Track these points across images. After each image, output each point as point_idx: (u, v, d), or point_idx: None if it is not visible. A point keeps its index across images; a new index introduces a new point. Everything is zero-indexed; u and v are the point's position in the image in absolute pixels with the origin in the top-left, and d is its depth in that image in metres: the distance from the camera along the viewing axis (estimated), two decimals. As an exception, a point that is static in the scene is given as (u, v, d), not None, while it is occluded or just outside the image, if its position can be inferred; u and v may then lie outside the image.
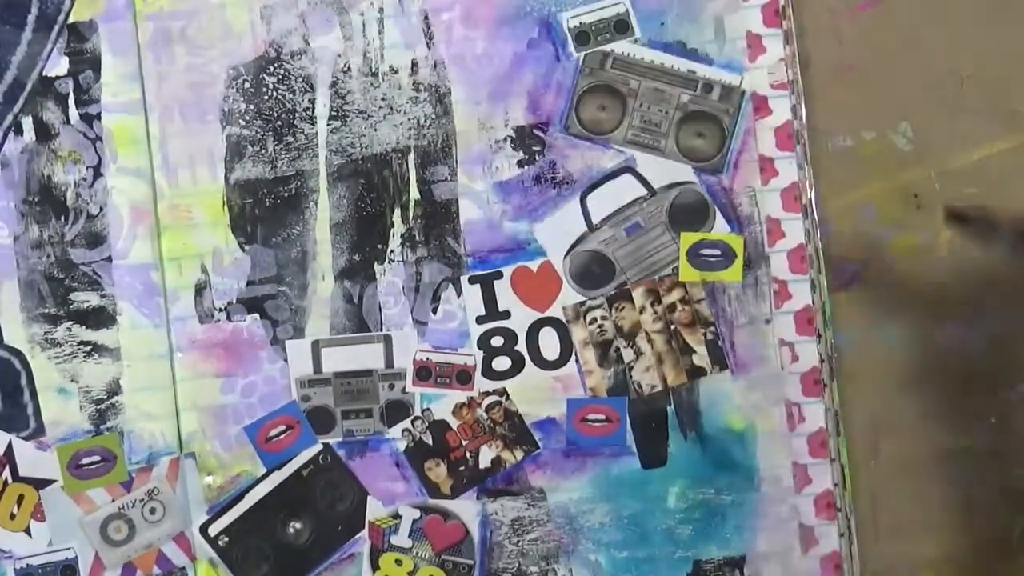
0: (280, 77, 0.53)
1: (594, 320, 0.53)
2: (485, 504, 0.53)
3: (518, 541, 0.54)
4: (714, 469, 0.53)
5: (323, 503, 0.54)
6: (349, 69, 0.53)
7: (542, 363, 0.53)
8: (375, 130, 0.53)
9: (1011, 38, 0.53)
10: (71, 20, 0.53)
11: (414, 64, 0.53)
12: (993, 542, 0.53)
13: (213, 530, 0.54)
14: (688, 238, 0.53)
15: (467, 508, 0.53)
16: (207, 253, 0.53)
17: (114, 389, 0.54)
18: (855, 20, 0.53)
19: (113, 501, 0.53)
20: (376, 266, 0.53)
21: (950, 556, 0.53)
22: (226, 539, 0.54)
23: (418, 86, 0.53)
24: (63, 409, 0.53)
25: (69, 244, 0.53)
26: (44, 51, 0.53)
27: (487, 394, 0.53)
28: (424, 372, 0.53)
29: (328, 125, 0.53)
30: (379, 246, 0.53)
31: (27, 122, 0.53)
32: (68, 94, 0.53)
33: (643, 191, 0.53)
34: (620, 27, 0.52)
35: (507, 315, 0.53)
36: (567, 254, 0.53)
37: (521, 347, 0.53)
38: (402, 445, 0.54)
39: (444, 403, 0.53)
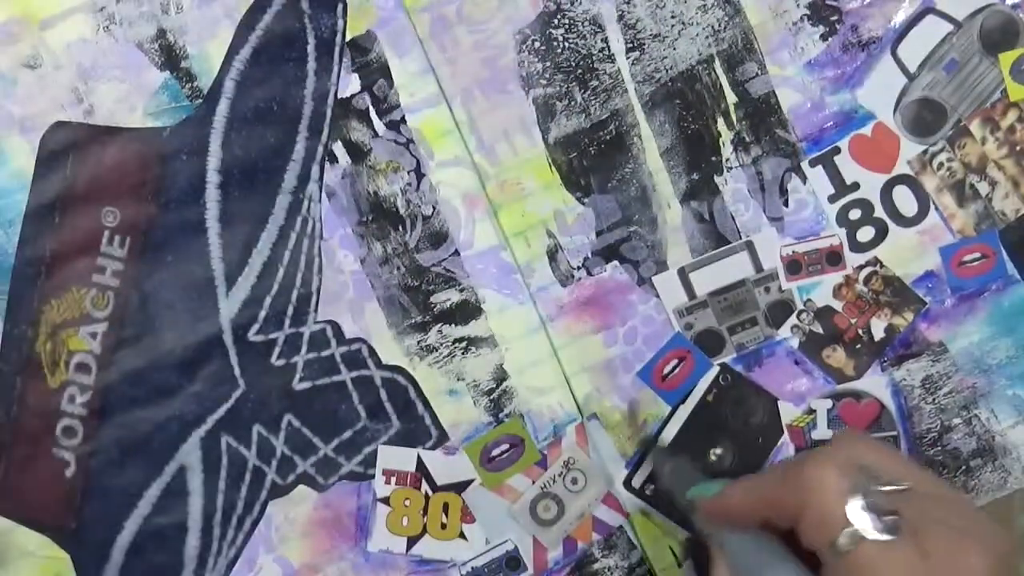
0: (567, 27, 0.54)
1: (941, 164, 0.54)
2: (891, 373, 0.55)
3: (933, 399, 0.55)
4: (1099, 273, 0.54)
5: (736, 422, 0.55)
6: (631, -1, 0.54)
7: (904, 221, 0.54)
8: (674, 49, 0.54)
9: None
10: (349, 38, 0.54)
11: (692, -26, 0.54)
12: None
13: (637, 481, 0.55)
14: (1007, 58, 0.54)
15: (875, 383, 0.54)
16: (549, 218, 0.54)
17: (500, 376, 0.54)
18: None
19: (534, 483, 0.54)
20: (716, 178, 0.54)
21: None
22: (652, 487, 0.54)
23: (703, -6, 0.54)
24: (458, 409, 0.54)
25: (414, 251, 0.54)
26: (332, 75, 0.54)
27: (861, 268, 0.54)
28: (794, 265, 0.54)
29: (628, 58, 0.54)
30: (713, 158, 0.54)
31: (338, 147, 0.54)
32: (368, 108, 0.54)
33: (949, 27, 0.54)
34: None
35: (856, 186, 0.54)
36: (896, 109, 0.54)
37: (879, 212, 0.54)
38: (795, 342, 0.55)
39: (822, 289, 0.54)
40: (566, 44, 0.54)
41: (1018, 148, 0.54)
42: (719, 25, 0.54)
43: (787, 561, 0.37)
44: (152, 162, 0.54)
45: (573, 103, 0.54)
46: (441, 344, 0.55)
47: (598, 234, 0.55)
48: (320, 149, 0.54)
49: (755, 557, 0.39)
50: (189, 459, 0.54)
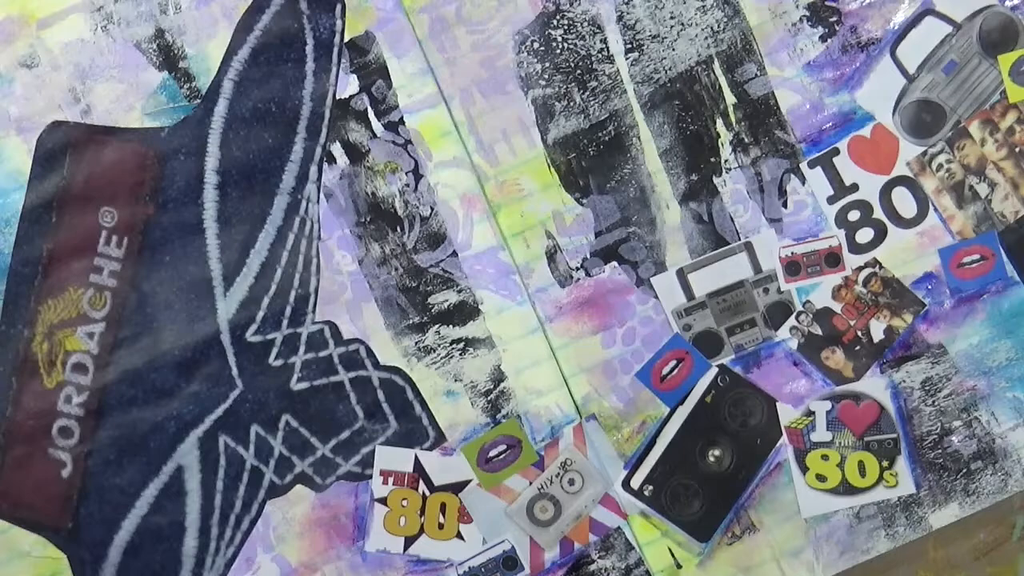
0: (566, 27, 0.55)
1: (940, 166, 0.55)
2: (891, 375, 0.56)
3: (933, 401, 0.56)
4: (1096, 274, 0.55)
5: (735, 423, 0.56)
6: (630, -1, 0.55)
7: (903, 223, 0.56)
8: (673, 49, 0.55)
9: None
10: (347, 38, 0.55)
11: (691, -25, 0.55)
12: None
13: (635, 482, 0.56)
14: (1006, 59, 0.55)
15: (875, 385, 0.56)
16: (547, 218, 0.55)
17: (498, 376, 0.56)
18: None
19: (531, 484, 0.55)
20: (715, 179, 0.56)
21: (950, 556, 0.56)
22: (650, 488, 0.56)
23: (702, -5, 0.55)
24: (456, 410, 0.55)
25: (412, 251, 0.55)
26: (331, 76, 0.55)
27: (860, 269, 0.55)
28: (793, 267, 0.55)
29: (627, 59, 0.55)
30: (712, 159, 0.55)
31: (336, 148, 0.55)
32: (366, 109, 0.55)
33: (949, 28, 0.55)
34: None
35: (855, 187, 0.55)
36: (895, 111, 0.55)
37: (878, 214, 0.55)
38: (794, 343, 0.56)
39: (821, 291, 0.56)
40: (565, 45, 0.56)
41: (1017, 150, 0.55)
42: (718, 26, 0.55)
43: None
44: (150, 162, 0.55)
45: (572, 104, 0.56)
46: (439, 345, 0.56)
47: (597, 235, 0.56)
48: (318, 150, 0.55)
49: None
50: (187, 459, 0.55)
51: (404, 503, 0.55)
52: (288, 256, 0.55)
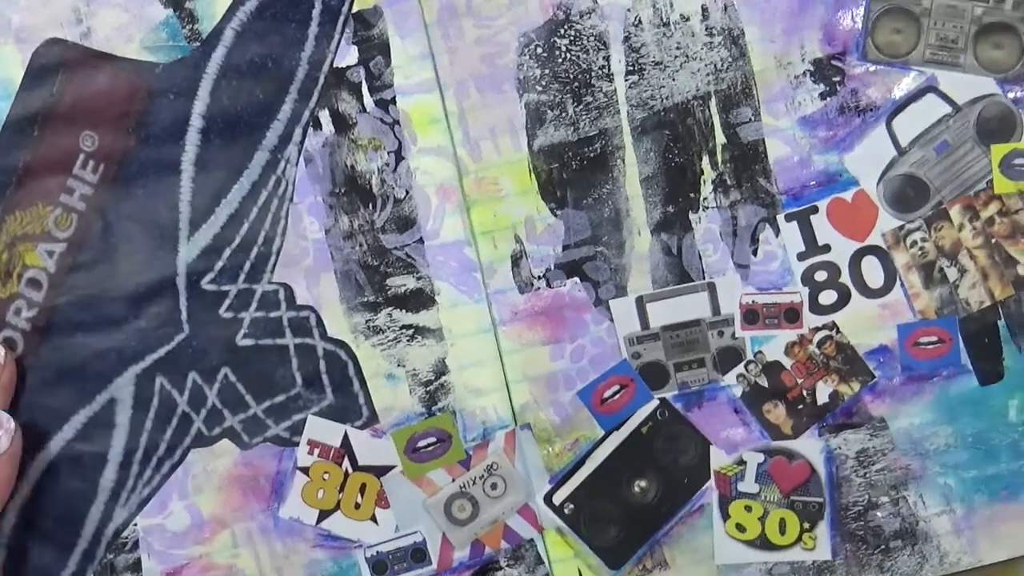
0: (572, 38, 0.57)
1: (914, 243, 0.57)
2: (828, 440, 0.57)
3: (865, 473, 0.57)
4: (1050, 378, 0.56)
5: (666, 458, 0.57)
6: (640, 22, 0.57)
7: (868, 292, 0.57)
8: (673, 80, 0.57)
9: None
10: (355, 8, 0.57)
11: (704, 9, 0.57)
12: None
13: (557, 498, 0.57)
14: (999, 150, 0.56)
15: (810, 446, 0.57)
16: (519, 223, 0.57)
17: (441, 369, 0.57)
18: None
19: (454, 480, 0.57)
20: (691, 215, 0.57)
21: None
22: (572, 506, 0.57)
23: (711, 31, 0.57)
24: (393, 395, 0.57)
25: (380, 231, 0.57)
26: (332, 43, 0.57)
27: (817, 329, 0.57)
28: (751, 315, 0.57)
29: (626, 80, 0.57)
30: (691, 195, 0.57)
31: (324, 115, 0.57)
32: (360, 82, 0.57)
33: (948, 108, 0.57)
34: (909, -52, 0.56)
35: (827, 248, 0.57)
36: (880, 180, 0.57)
37: (845, 279, 0.57)
38: (739, 391, 0.57)
39: (775, 344, 0.57)
40: (568, 55, 0.57)
41: (993, 241, 0.57)
42: (722, 64, 0.57)
43: None
44: (139, 95, 0.56)
45: (564, 114, 0.57)
46: (388, 327, 0.57)
47: (564, 248, 0.57)
48: (306, 113, 0.57)
49: None
50: (121, 393, 0.56)
51: (325, 476, 0.57)
52: (257, 212, 0.57)
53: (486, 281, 0.58)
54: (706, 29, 0.57)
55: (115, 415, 0.57)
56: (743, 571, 0.58)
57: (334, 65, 0.57)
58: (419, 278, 0.58)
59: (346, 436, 0.57)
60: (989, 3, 0.57)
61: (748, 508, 0.58)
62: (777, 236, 0.57)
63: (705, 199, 0.58)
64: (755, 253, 0.58)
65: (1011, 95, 0.57)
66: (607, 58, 0.57)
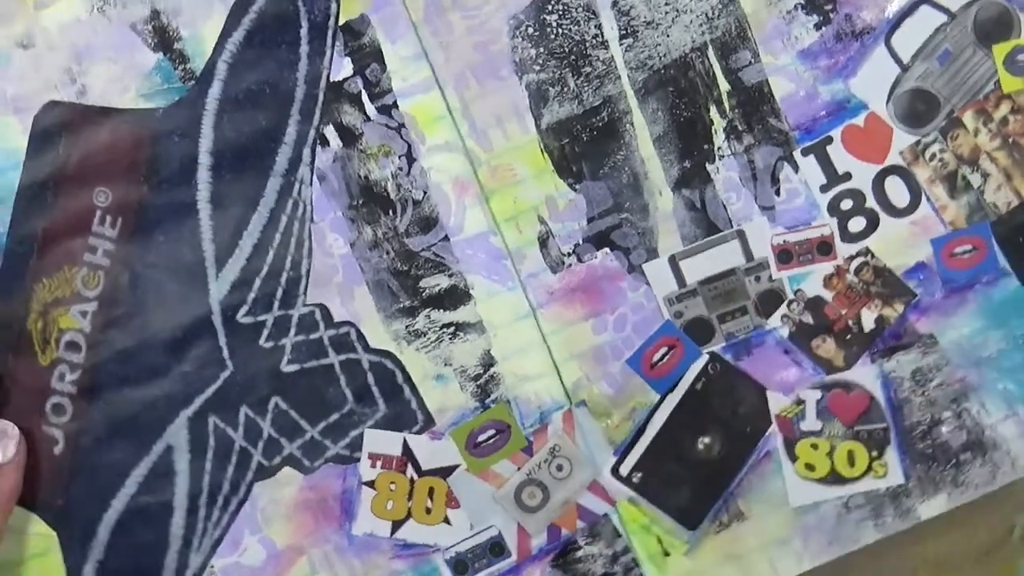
0: (561, 13, 0.58)
1: (933, 156, 0.58)
2: (881, 365, 0.59)
3: (923, 391, 0.59)
4: (1090, 266, 0.58)
5: (724, 411, 0.59)
6: (625, -14, 0.58)
7: (895, 212, 0.58)
8: (668, 36, 0.58)
9: None
10: (342, 21, 0.58)
11: (686, -38, 0.58)
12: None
13: (624, 469, 0.59)
14: (1001, 49, 0.58)
15: (865, 374, 0.58)
16: (540, 204, 0.58)
17: (488, 361, 0.59)
18: None
19: (519, 469, 0.58)
20: (708, 166, 0.58)
21: (950, 556, 0.59)
22: (639, 475, 0.59)
23: (697, -18, 0.58)
24: (445, 394, 0.58)
25: (404, 235, 0.58)
26: (325, 59, 0.58)
27: (852, 258, 0.58)
28: (785, 255, 0.58)
29: (621, 45, 0.58)
30: (705, 146, 0.58)
31: (330, 131, 0.58)
32: (360, 92, 0.58)
33: (943, 17, 0.58)
34: None
35: (848, 176, 0.58)
36: (888, 100, 0.58)
37: (871, 203, 0.58)
38: (785, 332, 0.59)
39: (813, 279, 0.58)
40: (559, 30, 0.59)
41: (1011, 140, 0.58)
42: (713, 13, 0.58)
43: None
44: (144, 143, 0.58)
45: (566, 89, 0.59)
46: (429, 329, 0.59)
47: (589, 221, 0.59)
48: (312, 132, 0.59)
49: None
50: (176, 439, 0.58)
51: (392, 487, 0.58)
52: (280, 238, 0.59)
53: (517, 267, 0.59)
54: (691, -19, 0.59)
55: (174, 462, 0.58)
56: (819, 509, 0.59)
57: (331, 80, 0.59)
58: (451, 275, 0.59)
59: (406, 444, 0.59)
60: (966, -93, 0.58)
61: (814, 446, 0.59)
62: (797, 172, 0.59)
63: (719, 148, 0.59)
64: (778, 193, 0.59)
65: (1003, -6, 0.58)
66: (599, 26, 0.59)
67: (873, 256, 0.59)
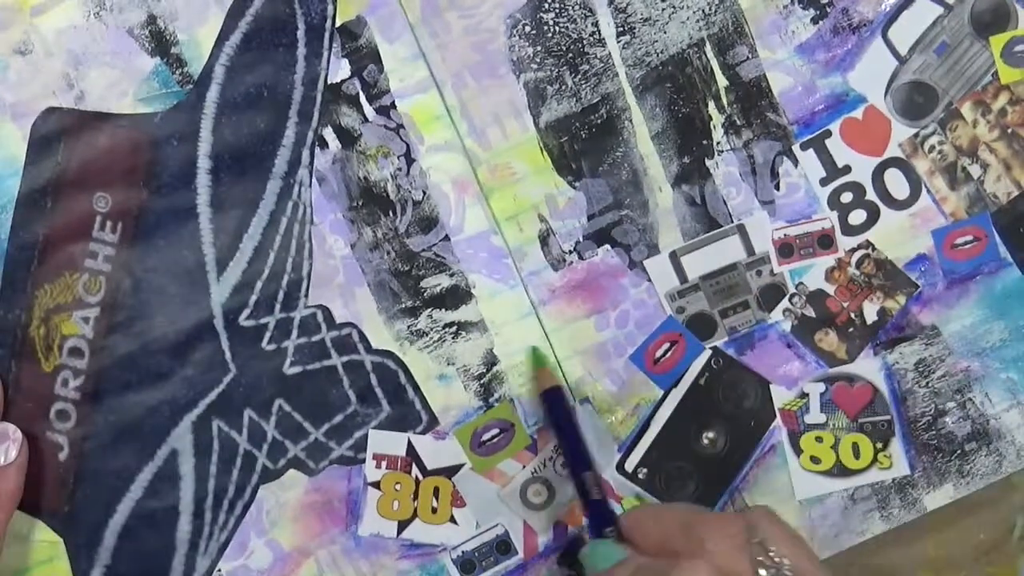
0: (558, 11, 0.60)
1: (932, 147, 0.60)
2: (884, 357, 0.60)
3: (927, 383, 0.60)
4: (1091, 255, 0.59)
5: (728, 405, 0.60)
6: (622, -18, 0.59)
7: (896, 204, 0.60)
8: (665, 32, 0.60)
9: None
10: (339, 23, 0.59)
11: (683, -42, 0.59)
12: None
13: (629, 465, 0.60)
14: (998, 40, 0.59)
15: (868, 366, 0.60)
16: (540, 202, 0.60)
17: (491, 360, 0.60)
18: None
19: (524, 467, 0.60)
20: (707, 162, 0.60)
21: (950, 556, 0.60)
22: (645, 470, 0.60)
23: (693, -22, 0.59)
24: (448, 394, 0.60)
25: (404, 235, 0.60)
26: (322, 61, 0.60)
27: (853, 251, 0.60)
28: (786, 249, 0.59)
29: (618, 42, 0.60)
30: (704, 142, 0.60)
31: (328, 133, 0.60)
32: (358, 93, 0.60)
33: (940, 9, 0.60)
34: None
35: (848, 169, 0.60)
36: (886, 92, 0.60)
37: (871, 195, 0.60)
38: (787, 325, 0.60)
39: (814, 272, 0.60)
40: (556, 28, 0.60)
41: (1009, 131, 0.60)
42: (709, 8, 0.60)
43: None
44: (143, 148, 0.59)
45: (564, 87, 0.60)
46: (431, 329, 0.60)
47: (589, 218, 0.60)
48: (310, 134, 0.60)
49: None
50: (181, 443, 0.59)
51: (397, 487, 0.60)
52: (281, 240, 0.60)
53: (518, 265, 0.60)
54: (688, -24, 0.60)
55: (179, 466, 0.60)
56: (825, 502, 0.61)
57: (328, 81, 0.60)
58: (452, 275, 0.60)
59: (410, 444, 0.60)
60: (960, -102, 0.60)
61: (819, 439, 0.60)
62: (796, 166, 0.60)
63: (719, 144, 0.60)
64: (778, 187, 0.60)
65: (1000, -16, 0.60)
66: (596, 24, 0.60)
67: (874, 248, 0.60)
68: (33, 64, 0.59)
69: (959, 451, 0.61)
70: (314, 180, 0.60)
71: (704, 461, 0.61)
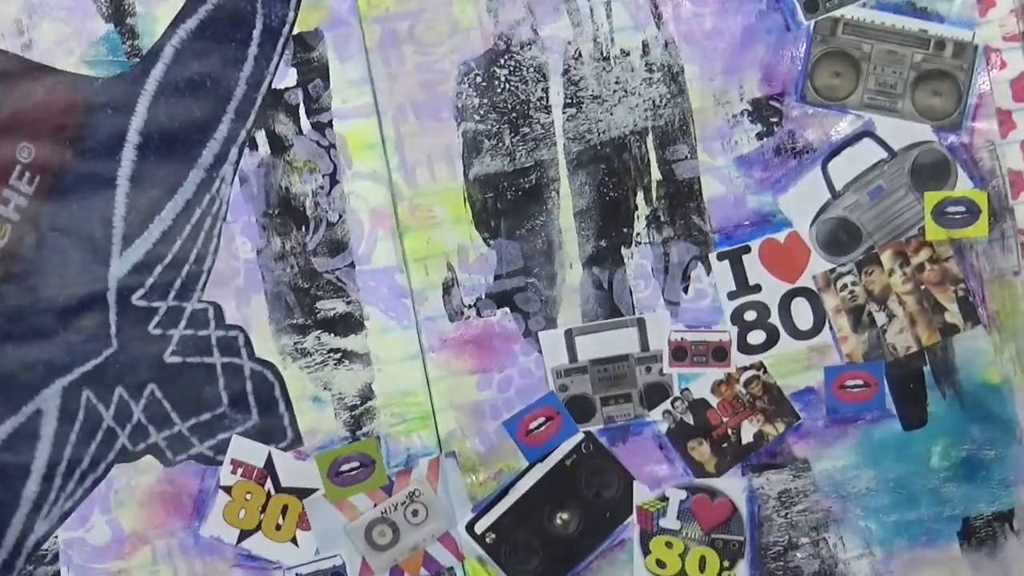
0: (511, 69, 0.61)
1: (845, 286, 0.61)
2: (751, 479, 0.61)
3: (786, 513, 0.61)
4: (974, 425, 0.61)
5: (589, 492, 0.61)
6: (580, 55, 0.61)
7: (796, 333, 0.61)
8: (611, 114, 0.61)
9: None
10: (296, 31, 0.61)
11: (645, 45, 0.61)
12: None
13: (479, 527, 0.61)
14: (932, 197, 0.61)
15: (733, 485, 0.61)
16: (452, 251, 0.61)
17: (367, 394, 0.61)
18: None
19: (375, 506, 0.61)
20: (623, 250, 0.61)
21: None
22: (493, 536, 0.61)
23: (651, 67, 0.61)
24: (318, 417, 0.61)
25: (311, 253, 0.61)
26: (271, 64, 0.61)
27: (744, 369, 0.61)
28: (680, 352, 0.61)
29: (564, 113, 0.61)
30: (625, 230, 0.61)
31: (260, 136, 0.61)
32: (298, 104, 0.61)
33: (883, 154, 0.61)
34: (848, -7, 0.60)
35: (758, 288, 0.61)
36: (813, 223, 0.61)
37: (774, 319, 0.61)
38: (664, 427, 0.61)
39: (702, 381, 0.61)
40: (507, 86, 0.61)
41: (923, 287, 0.61)
42: (660, 101, 0.61)
43: None
44: (78, 109, 0.61)
45: (501, 144, 0.61)
46: (316, 350, 0.61)
47: (496, 278, 0.62)
48: (243, 133, 0.61)
49: None
50: (47, 405, 0.61)
51: (248, 496, 0.61)
52: (191, 230, 0.61)
53: (416, 308, 0.62)
54: (646, 65, 0.61)
55: (40, 427, 0.61)
56: (661, 607, 0.62)
57: (272, 86, 0.62)
58: (349, 302, 0.62)
59: (270, 457, 0.62)
60: (928, 50, 0.61)
61: (669, 544, 0.62)
62: (708, 274, 0.62)
63: (638, 235, 0.62)
64: (686, 291, 0.62)
65: (947, 143, 0.61)
66: (546, 90, 0.62)
67: (765, 371, 0.62)
68: (-11, 2, 0.60)
69: (802, 587, 0.62)
70: (236, 179, 0.61)
71: (553, 540, 0.62)
